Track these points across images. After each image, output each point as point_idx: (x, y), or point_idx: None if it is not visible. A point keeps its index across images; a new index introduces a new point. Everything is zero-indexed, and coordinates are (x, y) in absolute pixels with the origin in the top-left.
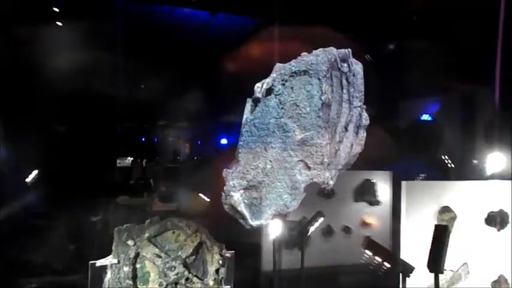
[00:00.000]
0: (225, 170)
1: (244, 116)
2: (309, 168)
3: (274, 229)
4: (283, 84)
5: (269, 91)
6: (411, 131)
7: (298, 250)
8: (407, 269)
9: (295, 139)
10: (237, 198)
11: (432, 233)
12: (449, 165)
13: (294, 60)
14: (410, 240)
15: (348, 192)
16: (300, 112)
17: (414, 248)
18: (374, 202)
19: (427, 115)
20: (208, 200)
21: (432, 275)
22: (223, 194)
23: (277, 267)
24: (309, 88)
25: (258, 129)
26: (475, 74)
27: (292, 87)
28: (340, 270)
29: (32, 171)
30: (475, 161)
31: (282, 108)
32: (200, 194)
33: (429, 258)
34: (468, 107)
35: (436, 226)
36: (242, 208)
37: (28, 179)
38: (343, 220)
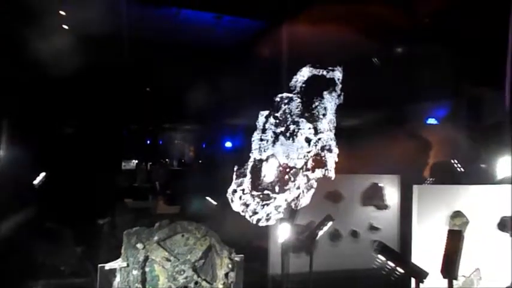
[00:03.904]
0: None
1: None
2: None
3: (282, 233)
4: None
5: None
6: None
7: (306, 254)
8: (421, 275)
9: None
10: None
11: (446, 238)
12: (459, 169)
13: None
14: (422, 245)
15: (355, 196)
16: None
17: (426, 252)
18: (382, 206)
19: (433, 119)
20: (214, 203)
21: (445, 280)
22: None
23: (285, 271)
24: None
25: None
26: (487, 77)
27: None
28: (347, 274)
29: (38, 173)
30: (483, 165)
31: None
32: (206, 198)
33: (443, 264)
34: (478, 110)
35: (450, 231)
36: None
37: (35, 181)
38: (350, 224)
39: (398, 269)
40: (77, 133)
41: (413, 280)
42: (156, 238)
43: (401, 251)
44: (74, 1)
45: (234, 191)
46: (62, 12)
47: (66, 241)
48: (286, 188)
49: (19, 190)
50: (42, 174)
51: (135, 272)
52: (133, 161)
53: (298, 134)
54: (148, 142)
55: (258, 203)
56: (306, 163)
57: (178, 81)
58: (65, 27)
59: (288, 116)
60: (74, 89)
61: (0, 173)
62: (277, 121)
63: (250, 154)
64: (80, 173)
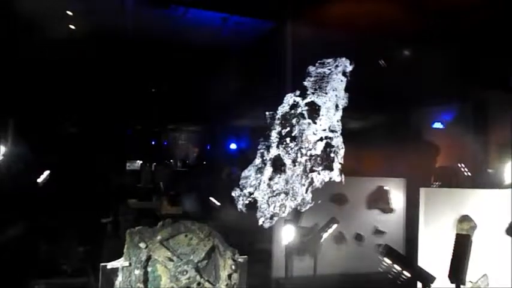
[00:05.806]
0: None
1: None
2: None
3: (286, 235)
4: None
5: None
6: None
7: (310, 257)
8: (428, 279)
9: None
10: None
11: (453, 243)
12: (466, 173)
13: None
14: (428, 249)
15: (360, 199)
16: None
17: (433, 257)
18: (387, 209)
19: (439, 123)
20: (218, 203)
21: (452, 285)
22: None
23: (289, 274)
24: None
25: None
26: (495, 81)
27: None
28: (351, 278)
29: (42, 172)
30: (490, 170)
31: None
32: (210, 199)
33: (450, 269)
34: (485, 113)
35: (458, 236)
36: None
37: (39, 180)
38: (355, 227)
39: (405, 273)
40: (82, 133)
41: (419, 285)
42: (159, 237)
43: (406, 255)
44: (80, 0)
45: (239, 192)
46: (69, 12)
47: (69, 240)
48: (290, 189)
49: (23, 189)
50: (46, 173)
51: (137, 272)
52: (138, 161)
53: (304, 135)
54: (153, 143)
55: (262, 203)
56: (311, 165)
57: (183, 82)
58: (72, 27)
59: (293, 116)
60: (79, 89)
61: (4, 171)
62: (283, 122)
63: (255, 155)
64: (84, 173)
